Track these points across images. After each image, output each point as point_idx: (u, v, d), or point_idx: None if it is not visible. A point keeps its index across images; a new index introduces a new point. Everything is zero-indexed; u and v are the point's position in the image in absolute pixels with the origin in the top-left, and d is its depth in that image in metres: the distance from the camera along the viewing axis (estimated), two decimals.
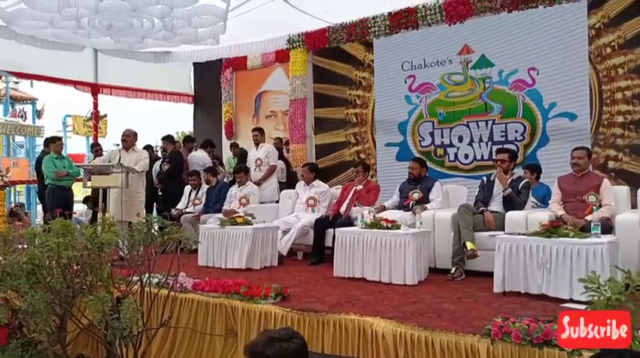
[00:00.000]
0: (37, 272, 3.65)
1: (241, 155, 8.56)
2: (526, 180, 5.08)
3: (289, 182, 8.30)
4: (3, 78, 10.39)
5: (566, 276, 3.74)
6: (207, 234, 5.64)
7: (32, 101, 19.57)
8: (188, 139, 9.05)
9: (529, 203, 5.08)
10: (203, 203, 7.33)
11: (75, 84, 10.06)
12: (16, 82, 17.90)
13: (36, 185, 15.42)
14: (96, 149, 9.03)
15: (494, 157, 5.48)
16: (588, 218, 4.32)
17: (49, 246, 3.51)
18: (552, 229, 3.88)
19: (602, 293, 2.01)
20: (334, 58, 8.76)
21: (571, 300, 3.71)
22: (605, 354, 1.78)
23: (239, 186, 6.99)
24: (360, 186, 6.10)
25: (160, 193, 8.00)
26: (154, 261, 3.74)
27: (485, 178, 5.23)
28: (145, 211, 6.31)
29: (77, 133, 19.94)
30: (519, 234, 4.10)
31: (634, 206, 4.79)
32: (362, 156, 8.56)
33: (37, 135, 17.50)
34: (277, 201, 7.23)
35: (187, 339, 4.24)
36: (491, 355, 2.92)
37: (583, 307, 3.52)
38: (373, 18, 7.75)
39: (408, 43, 7.95)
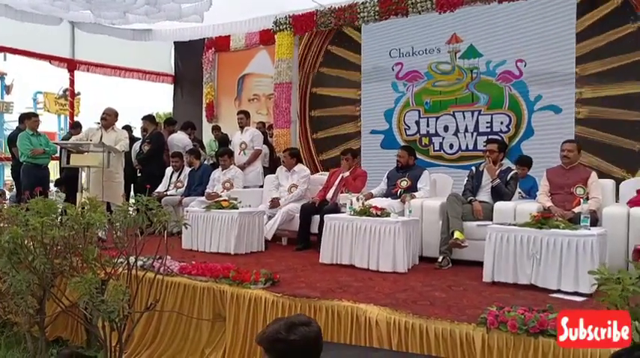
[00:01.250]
0: (20, 252, 3.50)
1: (222, 140, 8.43)
2: (515, 171, 5.10)
3: (272, 167, 8.21)
4: None
5: (555, 267, 3.77)
6: (192, 218, 5.53)
7: (1, 76, 18.92)
8: (170, 121, 8.84)
9: (516, 194, 5.11)
10: (185, 185, 7.20)
11: (50, 59, 9.72)
12: None
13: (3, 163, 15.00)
14: (76, 128, 8.72)
15: (484, 147, 5.49)
16: (576, 210, 4.38)
17: (32, 225, 3.37)
18: (543, 220, 3.90)
19: (615, 284, 2.00)
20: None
21: (559, 291, 3.74)
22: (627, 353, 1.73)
23: (222, 170, 6.88)
24: (347, 173, 6.06)
25: (139, 174, 7.82)
26: (143, 244, 3.64)
27: (474, 168, 5.24)
28: (124, 192, 6.14)
29: (48, 111, 19.37)
30: (510, 225, 4.11)
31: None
32: None
33: (6, 111, 16.98)
34: (261, 186, 7.15)
35: (173, 323, 4.15)
36: (486, 344, 2.92)
37: (571, 297, 3.61)
38: (362, 3, 7.65)
39: (396, 29, 7.91)
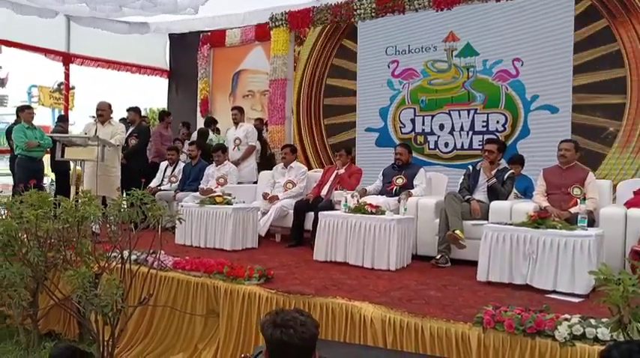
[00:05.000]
0: (14, 244, 3.47)
1: (201, 133, 8.37)
2: (511, 171, 5.10)
3: (265, 163, 8.18)
4: None
5: (551, 267, 3.76)
6: (186, 213, 5.49)
7: None
8: (166, 113, 8.80)
9: (511, 194, 5.11)
10: (179, 180, 7.16)
11: (45, 52, 9.63)
12: None
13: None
14: (63, 121, 8.63)
15: (481, 147, 5.48)
16: (572, 210, 4.38)
17: (26, 217, 3.34)
18: (540, 220, 3.90)
19: (615, 284, 1.99)
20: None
21: (555, 291, 3.74)
22: (615, 347, 1.76)
23: (216, 166, 6.85)
24: (342, 170, 6.04)
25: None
26: (136, 238, 3.61)
27: (470, 167, 5.23)
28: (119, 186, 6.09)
29: (43, 104, 19.21)
30: (506, 224, 4.11)
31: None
32: None
33: (1, 105, 16.83)
34: (255, 182, 7.12)
35: (166, 318, 4.13)
36: (482, 343, 2.91)
37: (567, 297, 3.61)
38: (359, 0, 7.64)
39: (392, 27, 7.88)
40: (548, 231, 3.81)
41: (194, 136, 8.43)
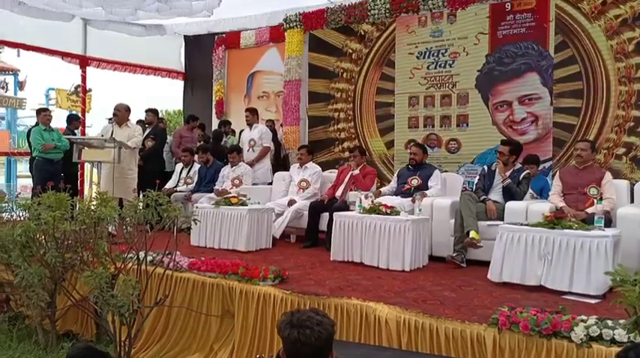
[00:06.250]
0: (32, 246, 3.53)
1: (215, 136, 8.47)
2: (527, 171, 5.06)
3: (278, 164, 8.24)
4: None
5: (567, 268, 3.73)
6: (201, 214, 5.54)
7: (14, 72, 19.03)
8: (193, 118, 8.88)
9: (527, 194, 5.07)
10: (195, 182, 7.22)
11: (63, 55, 9.77)
12: None
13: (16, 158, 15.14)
14: (73, 122, 8.67)
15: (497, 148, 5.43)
16: (589, 210, 4.32)
17: (43, 218, 3.39)
18: (556, 220, 3.86)
19: (631, 285, 1.97)
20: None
21: (570, 292, 3.70)
22: (632, 348, 1.74)
23: (232, 167, 6.89)
24: (357, 171, 6.04)
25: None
26: (152, 239, 3.65)
27: (486, 167, 5.21)
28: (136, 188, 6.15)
29: (60, 107, 19.46)
30: (522, 225, 4.07)
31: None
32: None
33: (20, 107, 17.08)
34: (270, 183, 7.16)
35: (182, 319, 4.16)
36: (497, 345, 2.90)
37: (583, 299, 3.58)
38: (373, 0, 7.63)
39: None
40: (565, 232, 3.77)
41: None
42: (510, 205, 4.68)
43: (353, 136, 8.57)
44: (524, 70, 6.90)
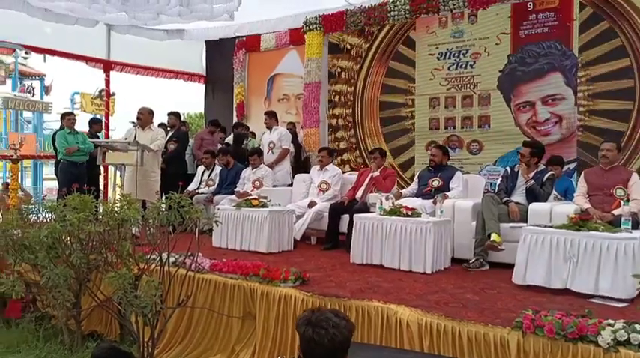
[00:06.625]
0: (58, 247, 3.59)
1: (236, 138, 8.52)
2: (551, 172, 4.98)
3: (298, 166, 8.27)
4: (15, 52, 10.31)
5: (593, 271, 3.66)
6: (223, 216, 5.58)
7: (41, 77, 19.47)
8: (215, 123, 8.96)
9: (551, 196, 4.99)
10: (216, 184, 7.27)
11: (87, 60, 9.96)
12: (25, 57, 17.77)
13: (42, 161, 15.46)
14: (95, 124, 8.81)
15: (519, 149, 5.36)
16: (615, 212, 4.24)
17: (69, 220, 3.45)
18: (581, 222, 3.79)
19: None
20: None
21: (596, 296, 3.63)
22: None
23: (252, 169, 6.93)
24: (377, 172, 6.02)
25: None
26: (174, 240, 3.69)
27: (508, 168, 5.14)
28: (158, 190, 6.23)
29: (85, 111, 19.84)
30: (546, 226, 4.01)
31: None
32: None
33: (46, 111, 17.46)
34: (289, 185, 7.18)
35: (204, 320, 4.19)
36: (521, 348, 2.85)
37: (609, 302, 3.50)
38: (393, 2, 7.60)
39: None
40: (590, 234, 3.70)
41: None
42: (534, 207, 4.62)
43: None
44: (547, 70, 6.81)
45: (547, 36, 6.84)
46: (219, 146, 8.26)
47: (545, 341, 2.79)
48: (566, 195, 5.29)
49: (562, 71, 6.70)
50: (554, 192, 5.09)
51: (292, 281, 3.90)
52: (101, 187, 8.19)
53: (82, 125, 8.35)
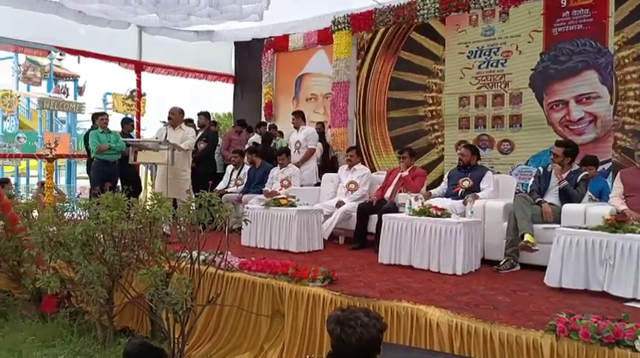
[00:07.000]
0: (92, 244, 3.67)
1: (265, 138, 8.57)
2: (585, 172, 4.86)
3: (327, 166, 8.27)
4: (50, 53, 10.60)
5: (631, 274, 3.55)
6: (251, 215, 5.61)
7: (74, 78, 19.91)
8: (242, 124, 9.03)
9: (585, 196, 4.87)
10: (244, 183, 7.33)
11: (119, 61, 10.16)
12: (60, 59, 18.21)
13: (76, 160, 15.83)
14: (127, 123, 8.94)
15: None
16: None
17: (102, 218, 3.52)
18: (617, 224, 3.69)
19: None
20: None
21: (634, 299, 3.53)
22: None
23: (280, 168, 6.96)
24: (406, 172, 5.97)
25: None
26: (204, 239, 3.72)
27: (541, 168, 5.04)
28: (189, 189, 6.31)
29: (116, 111, 20.23)
30: (580, 228, 3.91)
31: None
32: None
33: (79, 112, 17.86)
34: (315, 184, 7.20)
35: (233, 318, 4.22)
36: (555, 352, 2.79)
37: None
38: (422, 0, 7.54)
39: None
40: (627, 236, 3.60)
41: (251, 141, 8.65)
42: (568, 208, 4.51)
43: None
44: (581, 68, 6.66)
45: (581, 33, 6.69)
46: (247, 146, 8.34)
47: (580, 345, 2.73)
48: (601, 196, 5.16)
49: (597, 69, 6.55)
50: (588, 193, 4.97)
51: (321, 281, 3.90)
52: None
53: (114, 125, 8.52)
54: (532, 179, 5.08)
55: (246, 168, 7.50)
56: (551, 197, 4.82)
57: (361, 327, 1.85)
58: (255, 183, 7.15)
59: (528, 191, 5.00)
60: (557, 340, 2.79)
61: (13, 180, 12.29)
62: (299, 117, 7.80)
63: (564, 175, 4.80)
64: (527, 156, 7.07)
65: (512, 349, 2.92)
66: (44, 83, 18.23)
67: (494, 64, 7.43)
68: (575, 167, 4.93)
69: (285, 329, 3.91)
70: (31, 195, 7.81)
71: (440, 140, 8.15)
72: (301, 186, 6.92)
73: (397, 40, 8.03)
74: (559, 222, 4.42)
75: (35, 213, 5.48)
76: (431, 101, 7.89)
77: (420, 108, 7.99)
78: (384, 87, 8.52)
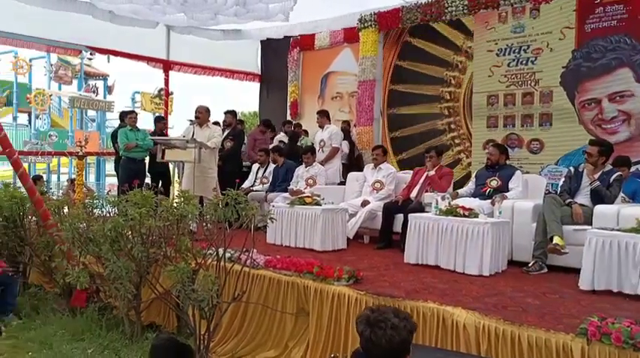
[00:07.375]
0: (121, 240, 3.73)
1: (291, 137, 8.58)
2: (619, 173, 4.72)
3: (352, 164, 8.25)
4: (81, 53, 10.83)
5: None
6: (277, 213, 5.62)
7: (104, 77, 20.28)
8: (267, 124, 9.08)
9: (618, 198, 4.74)
10: (270, 181, 7.36)
11: (148, 60, 10.30)
12: (90, 59, 18.55)
13: (105, 157, 16.13)
14: (160, 121, 9.08)
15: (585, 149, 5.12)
16: None
17: (130, 215, 3.57)
18: None
19: None
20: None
21: None
22: None
23: (306, 167, 6.97)
24: (433, 172, 5.91)
25: None
26: (230, 236, 3.75)
27: (572, 168, 4.92)
28: (216, 186, 6.37)
29: (144, 109, 20.51)
30: (613, 230, 3.81)
31: None
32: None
33: (108, 110, 18.16)
34: (339, 183, 7.19)
35: (258, 315, 4.24)
36: (586, 356, 2.72)
37: None
38: None
39: None
40: None
41: (277, 139, 8.68)
42: (600, 209, 4.40)
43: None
44: (615, 66, 6.49)
45: (615, 29, 6.51)
46: (272, 144, 8.37)
47: (612, 349, 2.66)
48: (635, 197, 5.03)
49: (631, 66, 6.37)
50: (621, 194, 4.83)
51: (346, 280, 3.88)
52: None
53: (142, 123, 8.66)
54: (562, 179, 4.96)
55: (272, 166, 7.53)
56: (582, 198, 4.70)
57: (391, 329, 1.83)
58: (279, 182, 7.17)
59: (558, 191, 4.88)
60: (589, 344, 2.72)
61: (44, 177, 12.58)
62: (323, 116, 7.81)
63: (596, 176, 4.68)
64: (557, 156, 6.92)
65: (542, 352, 2.86)
66: (75, 82, 18.58)
67: (524, 62, 7.29)
68: (608, 167, 4.80)
69: (310, 327, 3.92)
70: (61, 191, 7.98)
71: (457, 141, 8.05)
72: (326, 184, 6.91)
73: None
74: (590, 224, 4.32)
75: (66, 210, 5.61)
76: (448, 97, 7.76)
77: (434, 105, 7.85)
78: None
